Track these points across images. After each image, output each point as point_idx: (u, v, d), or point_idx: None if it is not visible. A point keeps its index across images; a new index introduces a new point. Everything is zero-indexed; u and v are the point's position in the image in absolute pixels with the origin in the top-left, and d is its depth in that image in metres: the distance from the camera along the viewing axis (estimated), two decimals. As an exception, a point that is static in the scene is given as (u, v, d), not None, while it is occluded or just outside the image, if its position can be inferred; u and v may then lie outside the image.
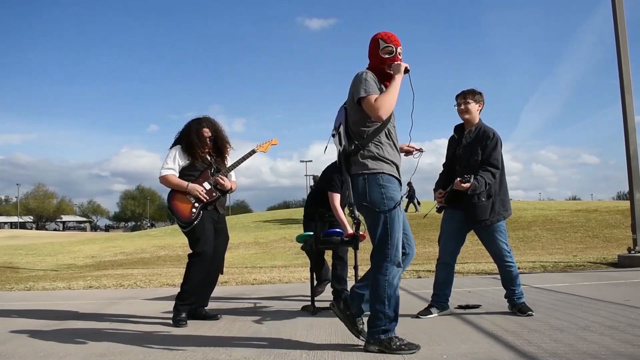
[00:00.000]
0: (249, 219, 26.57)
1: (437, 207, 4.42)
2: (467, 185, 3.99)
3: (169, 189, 4.56)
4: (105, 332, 4.10)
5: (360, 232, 4.79)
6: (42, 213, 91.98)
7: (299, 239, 5.04)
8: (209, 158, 4.67)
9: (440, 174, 4.53)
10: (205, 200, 4.49)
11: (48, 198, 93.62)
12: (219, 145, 4.71)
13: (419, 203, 26.62)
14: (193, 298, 4.44)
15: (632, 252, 8.22)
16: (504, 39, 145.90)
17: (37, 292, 7.43)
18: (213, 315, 4.55)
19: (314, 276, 4.99)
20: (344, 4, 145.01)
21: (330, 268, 5.27)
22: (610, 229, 14.99)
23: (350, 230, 4.97)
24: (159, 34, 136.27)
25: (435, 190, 4.44)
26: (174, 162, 4.56)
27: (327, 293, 5.47)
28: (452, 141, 4.49)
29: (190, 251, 4.48)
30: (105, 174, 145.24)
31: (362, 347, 3.22)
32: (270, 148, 4.95)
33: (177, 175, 4.54)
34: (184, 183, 4.49)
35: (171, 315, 4.43)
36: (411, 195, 26.64)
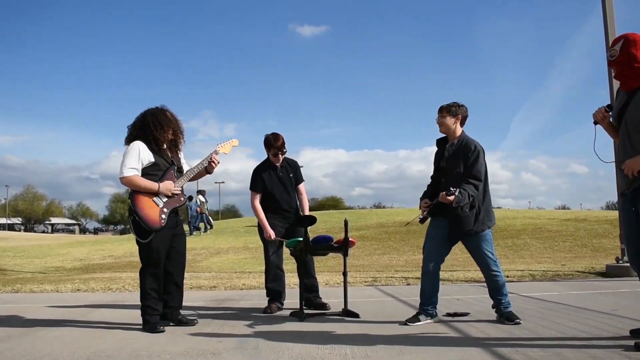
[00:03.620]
0: (239, 224, 26.48)
1: (420, 218, 4.42)
2: (451, 198, 4.02)
3: (131, 192, 4.28)
4: (93, 336, 4.07)
5: (350, 239, 4.81)
6: (31, 215, 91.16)
7: (289, 244, 5.04)
8: (169, 154, 4.48)
9: (428, 185, 4.57)
10: (172, 200, 4.34)
11: (37, 200, 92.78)
12: (175, 135, 4.51)
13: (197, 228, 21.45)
14: (159, 310, 4.30)
15: (620, 262, 8.26)
16: (495, 50, 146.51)
17: (24, 295, 7.37)
18: (190, 320, 4.48)
19: (303, 282, 5.00)
20: (336, 12, 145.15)
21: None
22: (599, 238, 15.05)
23: (270, 231, 5.12)
24: (152, 39, 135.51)
25: (421, 199, 4.46)
26: (137, 161, 4.24)
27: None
28: (436, 153, 4.54)
29: (140, 261, 4.34)
30: (95, 177, 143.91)
31: (348, 353, 3.23)
32: (231, 149, 4.82)
33: (140, 175, 4.28)
34: (155, 184, 4.26)
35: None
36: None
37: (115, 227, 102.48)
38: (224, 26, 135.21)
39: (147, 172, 4.30)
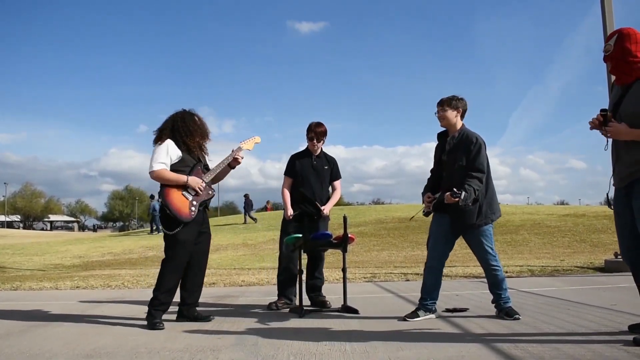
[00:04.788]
0: (237, 220, 26.49)
1: (424, 212, 4.43)
2: (457, 199, 4.00)
3: (161, 186, 4.38)
4: (92, 333, 4.07)
5: (349, 235, 4.81)
6: (30, 212, 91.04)
7: (288, 241, 5.03)
8: (195, 152, 4.56)
9: (428, 179, 4.56)
10: (201, 194, 4.40)
11: (36, 197, 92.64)
12: (202, 139, 4.61)
13: (254, 219, 25.26)
14: (167, 305, 4.34)
15: (619, 257, 8.28)
16: (494, 48, 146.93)
17: (23, 292, 7.37)
18: (205, 317, 4.52)
19: (302, 278, 4.99)
20: (334, 8, 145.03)
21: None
22: (598, 233, 15.08)
23: (290, 210, 5.13)
24: (150, 36, 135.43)
25: (423, 193, 4.46)
26: (166, 157, 4.35)
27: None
28: (437, 147, 4.53)
29: (164, 253, 4.40)
30: (94, 174, 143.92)
31: (347, 349, 3.23)
32: (254, 146, 4.85)
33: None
34: (183, 176, 4.34)
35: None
36: (247, 207, 25.57)
37: (114, 224, 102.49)
38: (223, 23, 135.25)
39: (175, 167, 4.39)
